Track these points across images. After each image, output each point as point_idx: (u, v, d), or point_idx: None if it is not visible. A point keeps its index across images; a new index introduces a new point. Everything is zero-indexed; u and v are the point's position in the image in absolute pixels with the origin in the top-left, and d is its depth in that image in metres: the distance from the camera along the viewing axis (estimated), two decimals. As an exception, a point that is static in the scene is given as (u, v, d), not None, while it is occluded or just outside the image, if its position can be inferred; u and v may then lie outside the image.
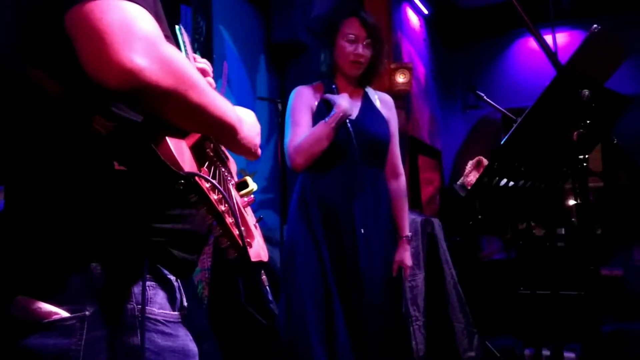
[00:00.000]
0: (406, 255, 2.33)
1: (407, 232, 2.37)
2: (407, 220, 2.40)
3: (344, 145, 2.19)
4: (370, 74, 2.35)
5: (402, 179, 2.44)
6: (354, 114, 2.28)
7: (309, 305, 2.12)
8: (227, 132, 0.92)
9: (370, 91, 2.41)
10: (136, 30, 0.73)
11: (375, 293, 2.15)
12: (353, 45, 2.24)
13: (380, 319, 2.15)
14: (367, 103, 2.36)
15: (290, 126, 2.27)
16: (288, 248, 2.27)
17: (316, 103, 2.30)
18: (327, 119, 2.18)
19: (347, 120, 2.20)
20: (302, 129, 2.23)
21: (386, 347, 2.16)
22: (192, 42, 1.11)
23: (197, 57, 1.14)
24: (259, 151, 1.05)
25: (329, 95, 2.27)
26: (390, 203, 2.35)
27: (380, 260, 2.22)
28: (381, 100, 2.41)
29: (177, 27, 1.04)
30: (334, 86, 2.30)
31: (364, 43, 2.25)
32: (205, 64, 1.14)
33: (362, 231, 2.15)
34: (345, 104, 2.20)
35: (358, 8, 2.35)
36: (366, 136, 2.22)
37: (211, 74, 1.16)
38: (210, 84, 1.01)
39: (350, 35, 2.25)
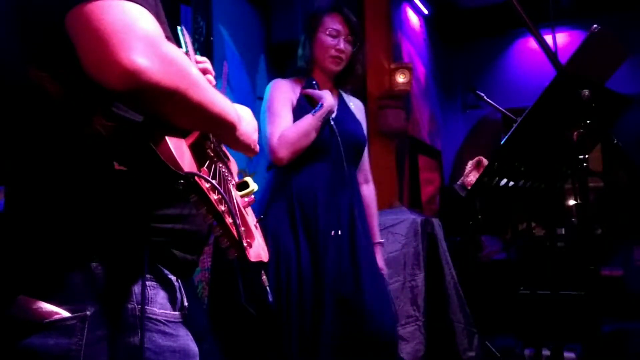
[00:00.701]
0: (382, 261, 2.32)
1: (379, 238, 2.37)
2: (378, 227, 2.39)
3: (327, 142, 2.13)
4: (348, 74, 2.29)
5: (372, 185, 2.42)
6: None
7: (284, 304, 2.13)
8: (226, 129, 0.92)
9: (343, 93, 2.37)
10: (137, 30, 0.73)
11: (366, 295, 2.10)
12: (335, 40, 2.19)
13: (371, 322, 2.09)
14: (343, 104, 2.32)
15: (269, 117, 2.17)
16: (272, 246, 2.17)
17: (296, 97, 2.23)
18: (314, 113, 2.11)
19: (331, 119, 2.15)
20: (283, 121, 2.14)
21: (374, 351, 2.10)
22: (192, 42, 1.11)
23: (198, 57, 1.15)
24: (257, 147, 1.05)
25: (310, 90, 2.20)
26: (364, 209, 2.30)
27: (369, 263, 2.16)
28: (354, 104, 2.38)
29: (179, 27, 1.05)
30: (314, 82, 2.22)
31: (346, 39, 2.20)
32: (205, 62, 1.15)
33: (339, 232, 2.10)
34: (331, 99, 2.16)
35: (340, 4, 2.29)
36: (347, 135, 2.18)
37: (212, 72, 1.16)
38: (210, 82, 1.02)
39: (332, 30, 2.19)
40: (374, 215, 2.37)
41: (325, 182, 2.14)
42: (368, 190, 2.39)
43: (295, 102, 2.22)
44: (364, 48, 2.32)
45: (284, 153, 2.08)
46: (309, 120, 2.11)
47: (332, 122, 2.14)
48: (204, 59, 1.17)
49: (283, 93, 2.22)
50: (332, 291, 2.06)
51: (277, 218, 2.14)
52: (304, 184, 2.14)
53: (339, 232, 2.09)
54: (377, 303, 2.12)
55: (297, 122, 2.13)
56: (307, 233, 2.11)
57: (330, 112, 2.14)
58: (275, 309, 2.16)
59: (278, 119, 2.14)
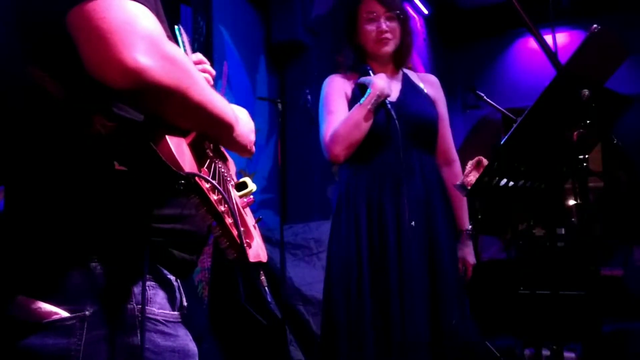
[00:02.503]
0: (468, 252, 2.15)
1: (468, 225, 2.18)
2: (467, 212, 2.20)
3: (386, 130, 2.00)
4: (403, 51, 2.17)
5: (457, 165, 2.22)
6: (394, 95, 2.09)
7: (340, 308, 1.96)
8: (224, 130, 0.92)
9: (410, 73, 2.24)
10: (139, 29, 0.73)
11: (447, 288, 1.96)
12: (374, 24, 2.09)
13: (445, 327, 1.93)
14: (409, 83, 2.18)
15: (325, 116, 2.08)
16: (330, 253, 2.10)
17: (351, 89, 2.14)
18: (362, 101, 1.99)
19: (387, 102, 2.01)
20: (337, 117, 2.04)
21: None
22: (192, 42, 1.12)
23: (194, 56, 1.15)
24: (254, 149, 1.05)
25: (363, 78, 2.09)
26: (448, 193, 2.13)
27: (443, 258, 1.99)
28: (424, 81, 2.24)
29: (176, 27, 1.05)
30: (368, 67, 2.11)
31: (386, 17, 2.10)
32: (204, 62, 1.15)
33: (413, 224, 1.94)
34: (382, 82, 2.02)
35: None
36: (410, 117, 2.03)
37: (212, 72, 1.16)
38: (208, 81, 1.02)
39: (369, 14, 2.10)
40: (460, 199, 2.16)
41: (386, 175, 2.01)
42: (450, 172, 2.20)
43: (350, 95, 2.13)
44: (409, 20, 2.20)
45: (337, 150, 2.00)
46: (357, 110, 2.00)
47: (389, 106, 2.01)
48: (203, 58, 1.17)
49: (336, 88, 2.14)
50: (417, 283, 1.92)
51: (341, 222, 2.05)
52: (368, 179, 2.03)
53: (413, 224, 1.94)
54: (448, 306, 1.96)
55: (347, 115, 2.03)
56: (370, 235, 1.99)
57: (380, 96, 2.00)
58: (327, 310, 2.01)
59: (331, 116, 2.07)
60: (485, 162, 3.94)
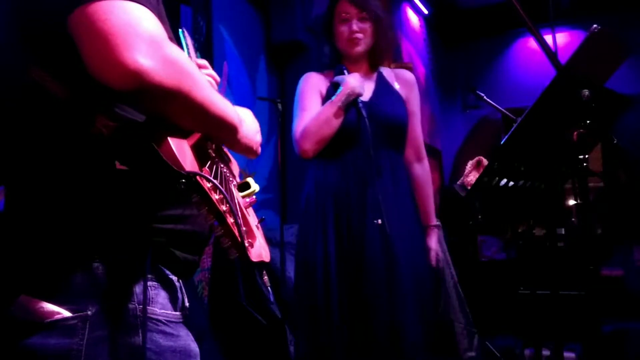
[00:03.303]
0: (436, 245, 2.18)
1: (435, 221, 2.22)
2: (433, 208, 2.24)
3: (356, 129, 2.03)
4: (378, 50, 2.21)
5: (426, 163, 2.28)
6: (367, 95, 2.13)
7: (306, 301, 2.01)
8: (227, 131, 0.93)
9: (386, 71, 2.27)
10: (140, 31, 0.73)
11: (402, 289, 1.96)
12: (346, 25, 2.14)
13: (411, 318, 1.96)
14: (382, 83, 2.22)
15: (298, 112, 2.12)
16: (298, 247, 2.13)
17: (326, 87, 2.18)
18: (333, 98, 2.04)
19: (359, 102, 2.05)
20: (309, 114, 2.08)
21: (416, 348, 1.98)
22: (192, 43, 1.11)
23: (200, 60, 1.14)
24: (259, 150, 1.05)
25: (337, 77, 2.13)
26: (414, 190, 2.18)
27: (408, 254, 2.01)
28: (399, 78, 2.27)
29: (180, 30, 1.05)
30: (344, 67, 2.16)
31: (359, 19, 2.14)
32: (207, 67, 1.14)
33: (379, 222, 1.97)
34: (354, 81, 2.06)
35: None
36: (380, 118, 2.07)
37: (217, 78, 1.16)
38: (213, 85, 1.02)
39: (343, 15, 2.15)
40: (428, 196, 2.23)
41: (354, 172, 2.04)
42: (420, 169, 2.25)
43: (324, 93, 2.17)
44: (384, 19, 2.22)
45: (307, 145, 2.04)
46: (327, 107, 2.04)
47: (361, 106, 2.04)
48: (205, 62, 1.16)
49: (311, 85, 2.18)
50: (383, 283, 1.95)
51: (308, 215, 2.08)
52: (335, 176, 2.07)
53: (379, 222, 1.96)
54: (409, 300, 1.98)
55: (318, 111, 2.07)
56: (340, 228, 2.01)
57: (351, 94, 2.03)
58: (297, 307, 2.06)
59: (304, 112, 2.10)
60: (485, 162, 3.94)
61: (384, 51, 2.24)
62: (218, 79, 1.14)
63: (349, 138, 2.05)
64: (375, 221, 1.97)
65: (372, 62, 2.24)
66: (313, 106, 2.12)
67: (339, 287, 1.98)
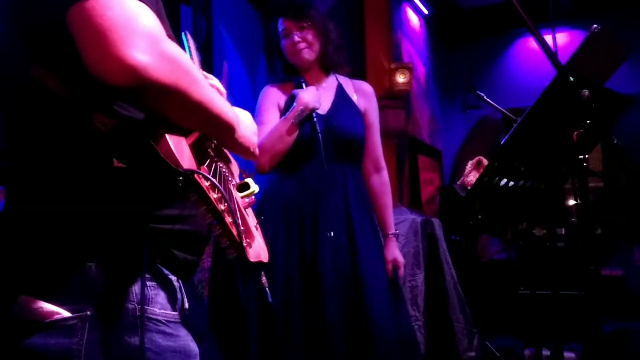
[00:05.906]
0: (397, 253, 2.20)
1: (393, 230, 2.24)
2: (392, 217, 2.27)
3: (311, 143, 2.05)
4: (327, 55, 2.23)
5: (385, 173, 2.30)
6: (325, 107, 2.15)
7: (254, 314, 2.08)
8: (225, 130, 0.92)
9: (345, 82, 2.29)
10: (138, 27, 0.73)
11: (358, 299, 2.00)
12: (289, 38, 2.19)
13: (375, 323, 1.99)
14: (341, 96, 2.24)
15: (257, 126, 2.16)
16: None
17: (284, 100, 2.20)
18: (287, 114, 2.06)
19: (314, 116, 2.07)
20: (267, 128, 2.10)
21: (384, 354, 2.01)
22: (195, 45, 1.09)
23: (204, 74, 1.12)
24: (257, 150, 1.05)
25: (295, 90, 2.15)
26: (373, 200, 2.22)
27: (365, 263, 2.04)
28: (357, 90, 2.29)
29: (183, 33, 1.04)
30: (302, 80, 2.18)
31: (297, 29, 2.18)
32: (211, 78, 1.13)
33: (332, 234, 2.01)
34: (308, 97, 2.07)
35: (284, 7, 2.28)
36: (337, 131, 2.10)
37: (223, 92, 1.14)
38: (217, 89, 1.01)
39: (283, 32, 2.20)
40: (386, 206, 2.26)
41: (311, 184, 2.07)
42: (378, 180, 2.28)
43: (283, 105, 2.20)
44: (326, 25, 2.25)
45: (263, 160, 2.05)
46: (281, 123, 2.07)
47: (316, 120, 2.07)
48: (210, 76, 1.14)
49: (270, 99, 2.22)
50: (333, 295, 1.99)
51: (265, 228, 2.10)
52: (290, 189, 2.10)
53: (332, 234, 2.02)
54: (380, 306, 2.02)
55: (272, 128, 2.09)
56: (293, 240, 2.04)
57: (304, 110, 2.05)
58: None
59: (262, 126, 2.11)
60: (485, 162, 3.94)
61: (333, 55, 2.27)
62: (224, 91, 1.13)
63: (305, 152, 2.08)
64: (327, 233, 2.02)
65: (324, 67, 2.27)
66: (270, 120, 2.15)
67: (289, 296, 2.02)
